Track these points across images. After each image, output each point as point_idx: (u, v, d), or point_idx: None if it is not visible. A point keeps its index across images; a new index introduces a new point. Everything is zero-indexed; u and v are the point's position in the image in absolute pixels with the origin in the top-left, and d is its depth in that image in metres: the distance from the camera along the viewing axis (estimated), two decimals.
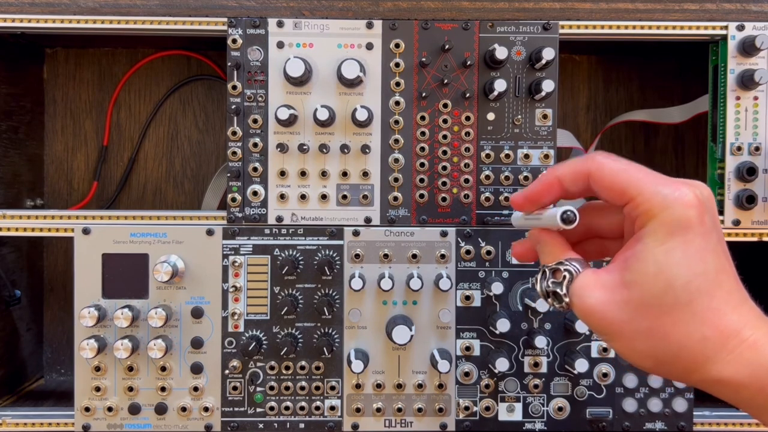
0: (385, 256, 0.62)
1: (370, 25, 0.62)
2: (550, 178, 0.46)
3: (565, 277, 0.44)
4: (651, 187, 0.43)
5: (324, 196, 0.63)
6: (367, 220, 0.63)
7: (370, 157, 0.63)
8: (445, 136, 0.63)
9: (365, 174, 0.63)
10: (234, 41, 0.62)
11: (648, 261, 0.41)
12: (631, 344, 0.43)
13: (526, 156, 0.63)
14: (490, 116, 0.63)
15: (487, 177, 0.63)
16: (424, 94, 0.63)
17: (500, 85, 0.61)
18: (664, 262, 0.41)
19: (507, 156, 0.63)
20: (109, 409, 0.62)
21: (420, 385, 0.63)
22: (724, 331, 0.41)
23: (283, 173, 0.63)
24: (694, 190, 0.42)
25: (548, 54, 0.61)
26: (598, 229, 0.49)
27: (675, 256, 0.41)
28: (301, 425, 0.63)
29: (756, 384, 0.41)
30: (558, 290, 0.44)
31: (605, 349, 0.63)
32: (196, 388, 0.62)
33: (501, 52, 0.60)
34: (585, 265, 0.45)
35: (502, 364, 0.61)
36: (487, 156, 0.63)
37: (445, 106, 0.63)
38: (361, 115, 0.61)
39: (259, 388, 0.63)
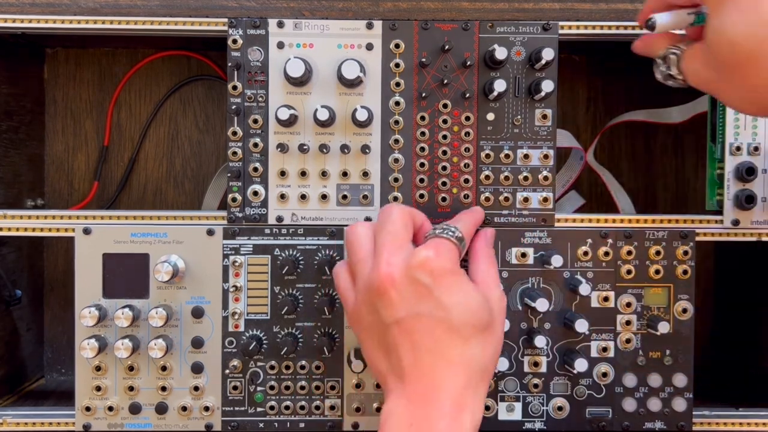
0: None
1: (370, 26, 0.63)
2: None
3: (671, 60, 0.53)
4: None
5: (324, 196, 0.63)
6: (368, 220, 0.63)
7: (370, 157, 0.63)
8: (445, 136, 0.63)
9: (365, 174, 0.63)
10: (234, 41, 0.62)
11: (709, 27, 0.48)
12: (732, 96, 0.50)
13: (526, 156, 0.63)
14: (490, 116, 0.63)
15: (487, 177, 0.63)
16: (424, 95, 0.63)
17: (500, 86, 0.61)
18: (721, 25, 0.47)
19: (507, 156, 0.63)
20: (110, 408, 0.62)
21: None
22: None
23: (283, 173, 0.63)
24: None
25: (548, 54, 0.61)
26: None
27: (729, 18, 0.46)
28: (301, 425, 0.63)
29: None
30: (671, 73, 0.53)
31: (605, 349, 0.63)
32: (196, 388, 0.63)
33: (501, 53, 0.61)
34: (687, 44, 0.53)
35: (501, 364, 0.61)
36: (487, 156, 0.63)
37: (445, 106, 0.63)
38: (361, 116, 0.61)
39: (259, 388, 0.63)
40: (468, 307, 0.50)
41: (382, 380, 0.51)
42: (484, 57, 0.62)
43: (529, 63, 0.63)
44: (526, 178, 0.63)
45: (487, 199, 0.63)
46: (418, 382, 0.49)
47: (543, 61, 0.61)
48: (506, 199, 0.63)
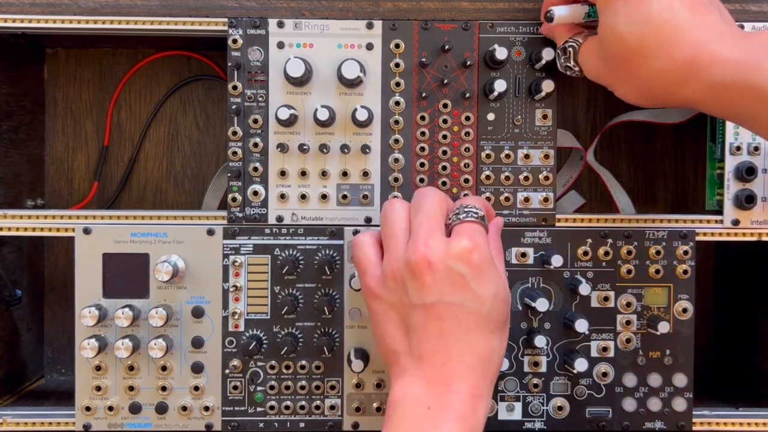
0: None
1: (370, 26, 0.63)
2: None
3: (569, 52, 0.57)
4: None
5: (324, 196, 0.63)
6: (367, 219, 0.63)
7: (370, 157, 0.63)
8: (445, 136, 0.63)
9: (365, 174, 0.63)
10: (234, 41, 0.62)
11: (601, 23, 0.52)
12: (622, 88, 0.54)
13: (527, 156, 0.63)
14: (490, 116, 0.63)
15: (487, 177, 0.63)
16: (424, 94, 0.63)
17: (500, 86, 0.61)
18: (611, 22, 0.51)
19: (507, 156, 0.63)
20: (110, 408, 0.62)
21: None
22: (679, 59, 0.49)
23: (283, 173, 0.63)
24: None
25: (548, 54, 0.61)
26: None
27: (616, 15, 0.50)
28: (302, 424, 0.63)
29: (721, 95, 0.48)
30: (569, 64, 0.58)
31: (605, 349, 0.63)
32: (196, 388, 0.63)
33: (501, 53, 0.61)
34: (585, 37, 0.57)
35: None
36: (487, 156, 0.63)
37: (445, 106, 0.63)
38: (361, 115, 0.61)
39: (259, 388, 0.63)
40: (499, 300, 0.50)
41: (394, 358, 0.51)
42: (485, 57, 0.62)
43: (530, 63, 0.63)
44: (526, 178, 0.63)
45: (488, 199, 0.63)
46: (443, 367, 0.49)
47: (543, 61, 0.61)
48: (507, 199, 0.63)
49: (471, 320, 0.49)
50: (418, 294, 0.49)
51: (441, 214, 0.53)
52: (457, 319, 0.49)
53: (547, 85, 0.61)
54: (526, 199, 0.63)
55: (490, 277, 0.50)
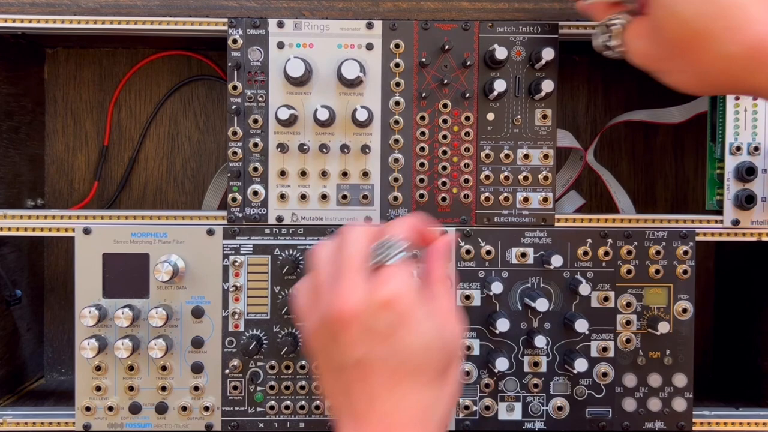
0: None
1: (370, 26, 0.63)
2: None
3: (613, 30, 0.52)
4: None
5: (324, 196, 0.63)
6: (367, 219, 0.63)
7: (370, 157, 0.63)
8: (445, 136, 0.63)
9: (365, 174, 0.63)
10: (234, 41, 0.62)
11: (658, 3, 0.47)
12: (678, 76, 0.49)
13: (526, 156, 0.63)
14: (490, 116, 0.63)
15: (487, 177, 0.63)
16: (424, 95, 0.63)
17: (500, 86, 0.61)
18: (668, 1, 0.47)
19: (507, 156, 0.63)
20: (110, 408, 0.62)
21: None
22: (747, 42, 0.45)
23: (283, 173, 0.63)
24: None
25: (548, 54, 0.61)
26: None
27: None
28: (301, 424, 0.63)
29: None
30: (611, 44, 0.52)
31: (605, 349, 0.63)
32: (196, 388, 0.63)
33: (501, 53, 0.61)
34: (629, 17, 0.51)
35: (501, 364, 0.61)
36: (487, 156, 0.63)
37: (445, 106, 0.63)
38: (361, 115, 0.61)
39: (259, 388, 0.63)
40: (430, 348, 0.44)
41: (337, 417, 0.46)
42: (484, 57, 0.62)
43: (530, 63, 0.63)
44: (526, 178, 0.63)
45: (487, 198, 0.63)
46: (377, 426, 0.44)
47: (543, 61, 0.61)
48: (506, 198, 0.63)
49: (400, 374, 0.44)
50: (345, 350, 0.43)
51: (361, 255, 0.46)
52: (384, 375, 0.44)
53: (547, 85, 0.61)
54: (526, 199, 0.63)
55: (419, 324, 0.44)
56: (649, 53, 0.50)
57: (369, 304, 0.43)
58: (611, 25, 0.52)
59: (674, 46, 0.48)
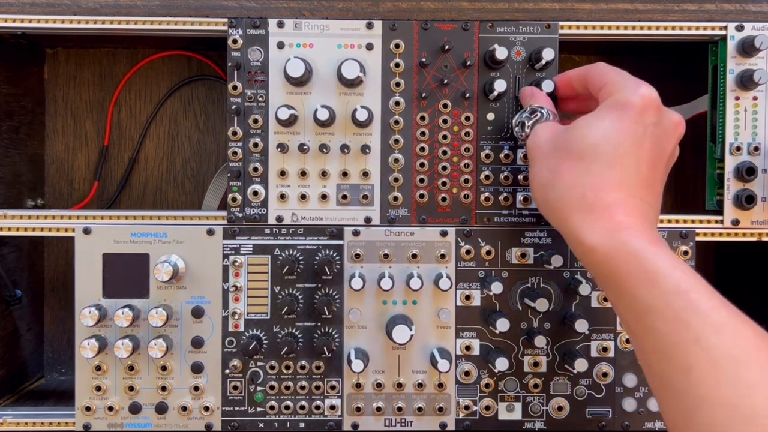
0: (385, 255, 0.63)
1: (370, 26, 0.63)
2: (565, 78, 0.60)
3: (538, 116, 0.57)
4: (620, 78, 0.53)
5: (324, 196, 0.63)
6: (367, 219, 0.63)
7: (370, 157, 0.63)
8: (445, 137, 0.63)
9: (365, 174, 0.63)
10: (234, 41, 0.62)
11: (584, 119, 0.52)
12: (539, 173, 0.54)
13: (526, 156, 0.63)
14: (490, 116, 0.63)
15: (487, 177, 0.63)
16: (424, 95, 0.63)
17: (500, 86, 0.61)
18: (592, 122, 0.51)
19: (506, 156, 0.63)
20: (110, 408, 0.62)
21: (420, 385, 0.63)
22: (602, 199, 0.49)
23: (283, 173, 0.63)
24: (651, 91, 0.51)
25: (548, 54, 0.61)
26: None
27: (603, 121, 0.50)
28: (302, 424, 0.63)
29: (603, 253, 0.48)
30: (526, 122, 0.57)
31: (605, 349, 0.63)
32: (196, 388, 0.63)
33: (501, 53, 0.61)
34: (556, 117, 0.58)
35: (501, 364, 0.61)
36: (487, 156, 0.63)
37: (445, 106, 0.63)
38: (361, 115, 0.61)
39: (259, 388, 0.63)
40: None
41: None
42: (485, 57, 0.62)
43: (530, 63, 0.63)
44: (525, 178, 0.63)
45: (487, 199, 0.63)
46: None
47: (543, 61, 0.61)
48: (506, 199, 0.63)
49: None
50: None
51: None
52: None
53: (547, 86, 0.61)
54: (526, 199, 0.63)
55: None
56: (541, 143, 0.54)
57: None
58: (537, 111, 0.57)
59: (563, 150, 0.52)
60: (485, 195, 0.63)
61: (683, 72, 0.79)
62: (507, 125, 0.63)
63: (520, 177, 0.63)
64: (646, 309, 0.45)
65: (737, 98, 0.64)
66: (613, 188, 0.49)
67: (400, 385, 0.63)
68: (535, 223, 0.64)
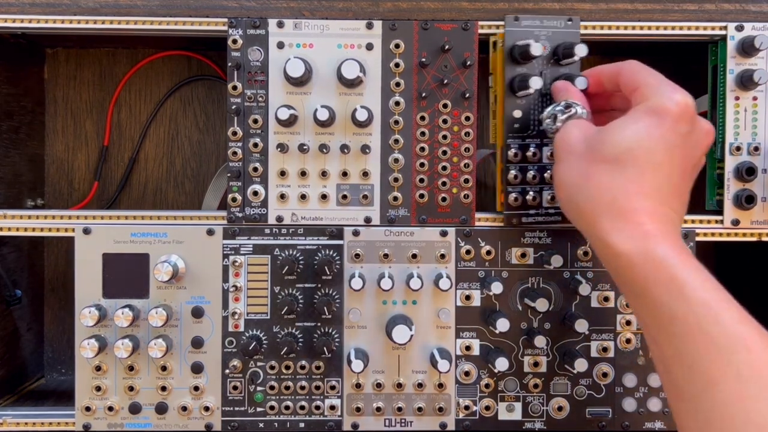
0: (385, 255, 0.63)
1: (370, 26, 0.63)
2: (595, 75, 0.59)
3: (572, 112, 0.56)
4: (655, 81, 0.52)
5: (324, 196, 0.63)
6: (367, 219, 0.63)
7: (370, 157, 0.63)
8: (445, 136, 0.63)
9: (365, 174, 0.63)
10: (234, 41, 0.62)
11: (619, 122, 0.51)
12: (567, 171, 0.53)
13: (552, 154, 0.62)
14: (517, 113, 0.62)
15: (515, 176, 0.63)
16: (424, 95, 0.63)
17: (536, 83, 0.59)
18: (627, 126, 0.50)
19: (534, 154, 0.63)
20: (110, 408, 0.62)
21: (420, 385, 0.63)
22: (632, 205, 0.49)
23: (283, 173, 0.63)
24: (686, 97, 0.50)
25: (581, 51, 0.59)
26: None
27: (638, 126, 0.50)
28: (301, 424, 0.63)
29: (630, 258, 0.47)
30: (559, 115, 0.56)
31: (605, 349, 0.63)
32: (196, 388, 0.63)
33: (536, 49, 0.59)
34: (590, 116, 0.57)
35: (501, 364, 0.61)
36: (515, 155, 0.62)
37: (445, 106, 0.63)
38: (361, 115, 0.61)
39: (259, 388, 0.63)
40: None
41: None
42: (511, 51, 0.62)
43: (554, 57, 0.62)
44: (533, 177, 0.63)
45: (516, 199, 0.63)
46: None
47: (576, 57, 0.60)
48: (534, 198, 0.63)
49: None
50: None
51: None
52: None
53: (581, 83, 0.58)
54: (554, 198, 0.63)
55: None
56: (571, 140, 0.54)
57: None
58: (572, 106, 0.56)
59: (595, 152, 0.51)
60: (513, 195, 0.62)
61: (683, 72, 0.79)
62: (534, 122, 0.63)
63: (545, 175, 0.63)
64: (670, 317, 0.45)
65: (737, 98, 0.64)
66: (645, 195, 0.49)
67: (400, 385, 0.63)
68: (561, 221, 0.63)
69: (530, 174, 0.63)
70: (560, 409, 0.64)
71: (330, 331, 0.63)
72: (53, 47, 0.79)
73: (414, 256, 0.63)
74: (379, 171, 0.63)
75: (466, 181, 0.63)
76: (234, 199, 0.63)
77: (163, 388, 0.62)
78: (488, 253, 0.63)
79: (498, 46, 0.62)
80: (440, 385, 0.63)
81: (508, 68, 0.62)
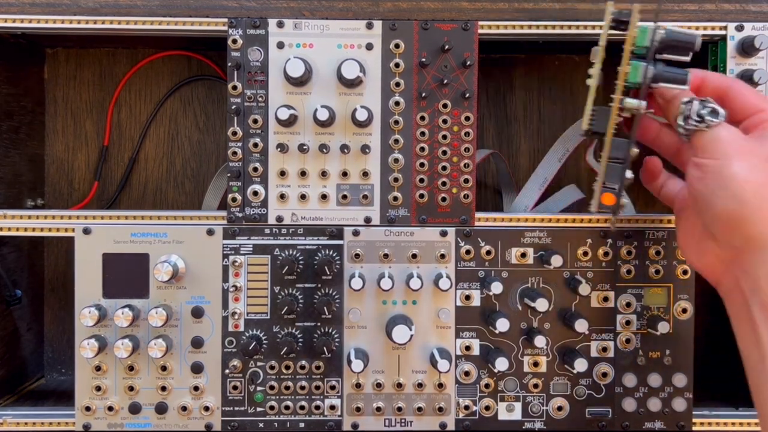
0: (385, 255, 0.63)
1: (370, 26, 0.63)
2: (700, 76, 0.57)
3: (721, 118, 0.52)
4: None
5: (324, 196, 0.63)
6: (367, 219, 0.63)
7: (370, 157, 0.63)
8: (444, 136, 0.63)
9: (365, 174, 0.63)
10: (234, 41, 0.62)
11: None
12: (753, 170, 0.50)
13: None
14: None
15: None
16: (423, 95, 0.63)
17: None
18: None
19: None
20: (110, 408, 0.62)
21: (420, 385, 0.63)
22: None
23: (283, 173, 0.63)
24: None
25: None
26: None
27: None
28: (301, 424, 0.63)
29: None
30: (708, 117, 0.52)
31: (605, 349, 0.63)
32: (196, 388, 0.63)
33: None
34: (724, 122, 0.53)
35: (501, 364, 0.61)
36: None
37: (445, 106, 0.63)
38: (361, 115, 0.61)
39: (259, 388, 0.63)
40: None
41: None
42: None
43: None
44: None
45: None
46: None
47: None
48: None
49: None
50: None
51: None
52: None
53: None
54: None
55: None
56: (749, 145, 0.51)
57: None
58: (719, 111, 0.52)
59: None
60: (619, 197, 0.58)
61: None
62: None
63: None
64: None
65: None
66: None
67: (400, 385, 0.63)
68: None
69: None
70: (560, 409, 0.64)
71: (330, 331, 0.63)
72: (53, 47, 0.79)
73: (414, 256, 0.63)
74: (379, 171, 0.63)
75: (466, 181, 0.63)
76: (234, 199, 0.63)
77: (163, 388, 0.62)
78: (488, 253, 0.63)
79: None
80: (440, 385, 0.63)
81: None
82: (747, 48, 0.62)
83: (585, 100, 0.80)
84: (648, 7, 0.56)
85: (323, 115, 0.60)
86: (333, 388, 0.63)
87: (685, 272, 0.63)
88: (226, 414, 0.63)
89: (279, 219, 0.63)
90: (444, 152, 0.63)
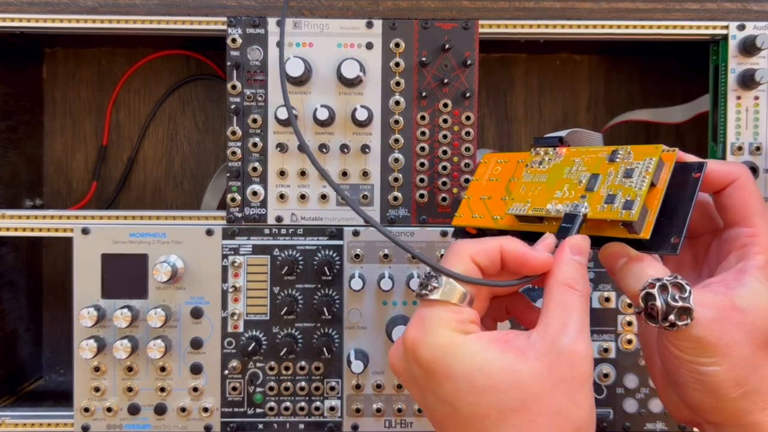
0: (385, 256, 0.62)
1: (370, 25, 0.62)
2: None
3: (687, 291, 0.38)
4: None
5: (324, 196, 0.63)
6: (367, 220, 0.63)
7: (370, 157, 0.63)
8: (445, 136, 0.63)
9: (365, 174, 0.63)
10: (233, 41, 0.62)
11: (761, 293, 0.39)
12: (732, 370, 0.39)
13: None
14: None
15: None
16: (424, 94, 0.62)
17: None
18: None
19: None
20: (109, 409, 0.62)
21: None
22: None
23: (282, 173, 0.63)
24: None
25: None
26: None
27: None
28: (301, 426, 0.63)
29: None
30: (688, 304, 0.37)
31: (606, 350, 0.63)
32: (195, 389, 0.62)
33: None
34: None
35: None
36: None
37: (446, 105, 0.63)
38: (361, 115, 0.61)
39: (258, 389, 0.63)
40: (476, 392, 0.38)
41: None
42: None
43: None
44: None
45: None
46: None
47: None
48: None
49: (455, 423, 0.39)
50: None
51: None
52: (445, 423, 0.40)
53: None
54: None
55: (450, 371, 0.38)
56: (721, 329, 0.39)
57: (403, 351, 0.41)
58: (683, 284, 0.38)
59: (756, 337, 0.39)
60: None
61: (684, 71, 0.79)
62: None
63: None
64: None
65: (738, 98, 0.63)
66: None
67: (400, 386, 0.63)
68: None
69: None
70: None
71: (330, 331, 0.63)
72: (52, 47, 0.78)
73: (414, 256, 0.62)
74: (379, 171, 0.63)
75: (467, 181, 0.63)
76: (233, 199, 0.63)
77: (162, 389, 0.62)
78: None
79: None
80: None
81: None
82: (748, 47, 0.62)
83: (585, 99, 0.80)
84: None
85: (323, 114, 0.60)
86: (333, 389, 0.63)
87: None
88: (226, 415, 0.63)
89: (278, 219, 0.63)
90: (444, 152, 0.63)
